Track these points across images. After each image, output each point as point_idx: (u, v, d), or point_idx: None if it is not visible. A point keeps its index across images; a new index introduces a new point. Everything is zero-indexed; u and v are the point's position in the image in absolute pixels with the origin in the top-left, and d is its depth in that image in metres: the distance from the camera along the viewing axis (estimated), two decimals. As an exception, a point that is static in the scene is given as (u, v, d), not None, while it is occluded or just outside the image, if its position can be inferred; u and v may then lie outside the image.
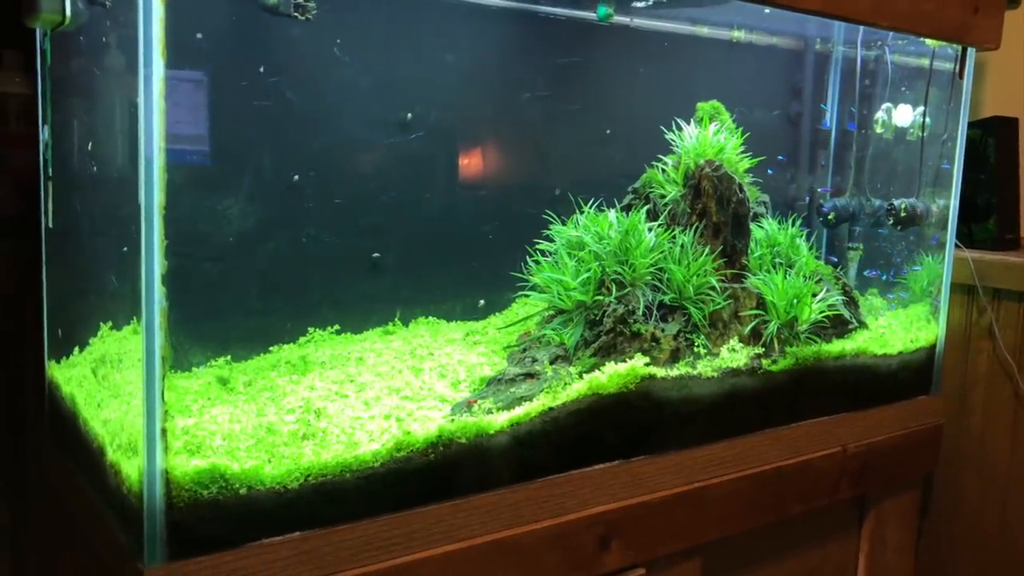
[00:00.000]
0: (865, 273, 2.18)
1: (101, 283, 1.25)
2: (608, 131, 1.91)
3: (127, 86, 1.02)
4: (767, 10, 1.50)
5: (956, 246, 1.99)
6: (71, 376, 1.35)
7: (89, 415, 1.24)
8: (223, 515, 1.04)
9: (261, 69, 1.43)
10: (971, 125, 2.15)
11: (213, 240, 1.46)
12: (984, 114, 2.28)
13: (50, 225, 1.42)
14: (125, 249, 1.05)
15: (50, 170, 1.40)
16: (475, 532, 1.21)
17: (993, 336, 2.06)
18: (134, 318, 1.03)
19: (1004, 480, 2.06)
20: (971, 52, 1.84)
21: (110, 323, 1.24)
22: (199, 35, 1.36)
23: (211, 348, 1.46)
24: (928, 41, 1.92)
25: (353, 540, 1.11)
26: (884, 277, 2.14)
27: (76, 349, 1.36)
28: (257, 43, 1.46)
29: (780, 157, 2.12)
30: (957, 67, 1.86)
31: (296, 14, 1.36)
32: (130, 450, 1.07)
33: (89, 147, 1.29)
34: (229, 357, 1.46)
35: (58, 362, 1.43)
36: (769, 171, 1.82)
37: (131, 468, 1.05)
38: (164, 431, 1.00)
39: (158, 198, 0.97)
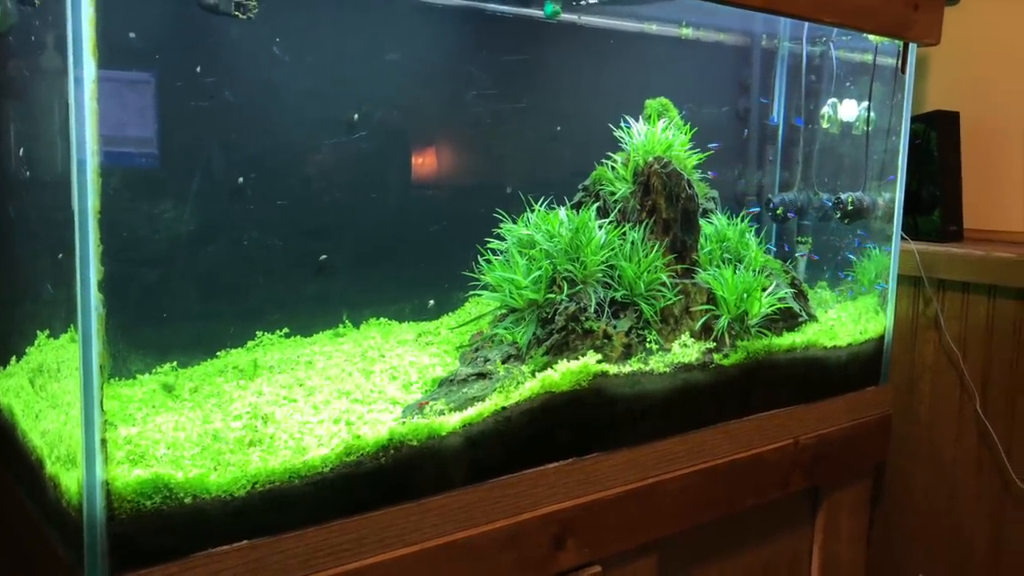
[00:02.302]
0: (801, 253, 2.20)
1: (37, 290, 1.22)
2: (558, 128, 1.90)
3: (59, 88, 1.00)
4: (720, 7, 1.50)
5: (902, 238, 2.02)
6: (8, 386, 1.31)
7: (27, 427, 1.20)
8: (167, 526, 1.02)
9: (198, 69, 1.40)
10: (914, 119, 2.19)
11: (160, 244, 1.42)
12: (927, 108, 2.32)
13: (-16, 231, 1.38)
14: (60, 255, 1.02)
15: (-17, 175, 1.36)
16: (427, 535, 1.20)
17: (939, 326, 2.10)
18: (71, 326, 1.00)
19: (951, 467, 2.11)
20: (912, 47, 1.87)
21: (47, 331, 1.21)
22: (132, 35, 1.33)
23: (158, 354, 1.42)
24: (871, 37, 1.95)
25: (302, 547, 1.09)
26: (829, 274, 2.17)
27: (13, 358, 1.32)
28: (197, 43, 1.43)
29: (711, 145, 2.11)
30: (899, 62, 1.89)
31: (237, 13, 1.33)
32: (69, 462, 1.04)
33: (22, 151, 1.25)
34: (175, 363, 1.43)
35: (-5, 372, 1.39)
36: (710, 173, 1.83)
37: (70, 480, 1.02)
38: (104, 441, 0.97)
39: (92, 202, 0.94)
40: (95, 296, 0.95)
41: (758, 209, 2.19)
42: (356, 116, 1.61)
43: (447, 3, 1.72)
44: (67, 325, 1.04)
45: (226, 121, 1.47)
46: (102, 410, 0.97)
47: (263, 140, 1.52)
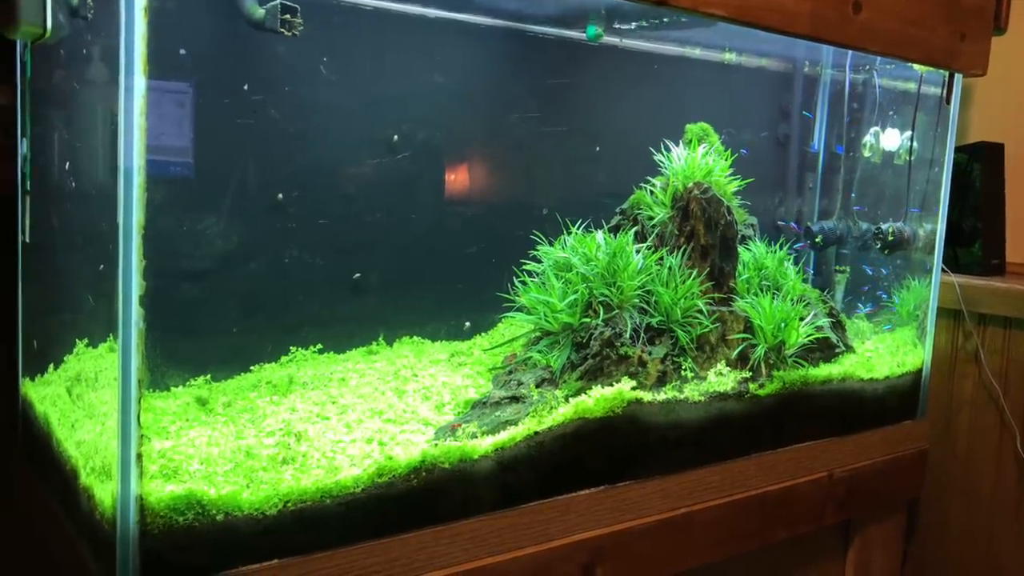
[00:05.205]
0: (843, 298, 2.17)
1: (77, 300, 1.23)
2: (597, 150, 1.90)
3: (107, 101, 1.00)
4: (762, 33, 1.49)
5: (942, 270, 1.98)
6: (45, 394, 1.32)
7: (63, 436, 1.21)
8: (199, 542, 1.01)
9: (246, 87, 1.41)
10: (958, 150, 2.16)
11: (199, 258, 1.43)
12: (971, 139, 2.29)
13: (27, 240, 1.39)
14: (102, 267, 1.02)
15: (28, 184, 1.38)
16: (457, 559, 1.19)
17: (979, 361, 2.06)
18: (110, 336, 1.01)
19: (989, 504, 2.06)
20: (958, 78, 1.84)
21: (86, 340, 1.21)
22: (183, 51, 1.34)
23: (193, 367, 1.43)
24: (916, 66, 1.92)
25: (332, 567, 1.08)
26: (870, 307, 2.13)
27: (51, 366, 1.33)
28: (244, 58, 1.44)
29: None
30: (944, 92, 1.86)
31: (283, 29, 1.34)
32: (104, 474, 1.04)
33: (68, 162, 1.27)
34: (209, 376, 1.44)
35: (33, 379, 1.40)
36: (743, 151, 1.80)
37: (104, 493, 1.03)
38: (139, 456, 0.97)
39: (137, 216, 0.94)
40: (136, 311, 0.95)
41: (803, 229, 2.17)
42: (396, 137, 1.61)
43: (491, 24, 1.72)
44: (106, 335, 1.05)
45: (268, 137, 1.47)
46: (139, 424, 0.97)
47: (304, 157, 1.53)
